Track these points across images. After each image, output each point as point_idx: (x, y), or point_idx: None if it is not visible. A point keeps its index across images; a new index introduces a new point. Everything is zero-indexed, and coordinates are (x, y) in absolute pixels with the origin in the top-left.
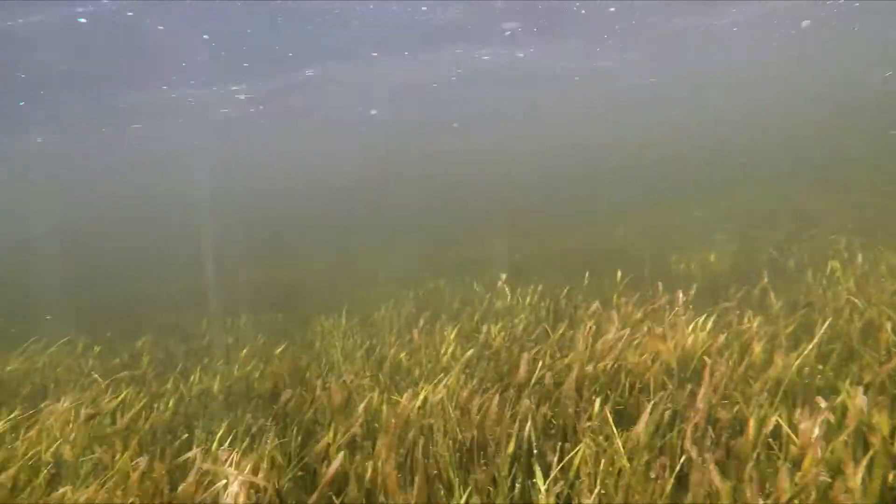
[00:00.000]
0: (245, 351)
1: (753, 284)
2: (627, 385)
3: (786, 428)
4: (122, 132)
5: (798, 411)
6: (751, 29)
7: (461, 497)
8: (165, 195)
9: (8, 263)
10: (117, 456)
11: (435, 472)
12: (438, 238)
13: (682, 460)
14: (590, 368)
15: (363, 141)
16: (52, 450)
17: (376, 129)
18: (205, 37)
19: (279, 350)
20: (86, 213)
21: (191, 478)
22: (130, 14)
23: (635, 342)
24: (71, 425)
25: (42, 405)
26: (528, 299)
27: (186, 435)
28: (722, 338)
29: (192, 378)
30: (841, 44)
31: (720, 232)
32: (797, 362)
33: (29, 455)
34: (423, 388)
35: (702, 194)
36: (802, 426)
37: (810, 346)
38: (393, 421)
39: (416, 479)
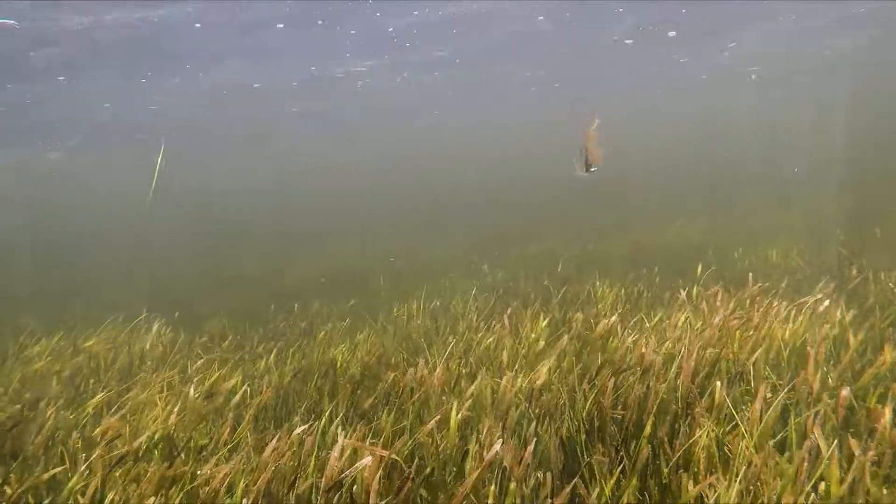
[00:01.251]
0: (328, 335)
1: (841, 279)
2: (730, 372)
3: None
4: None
5: None
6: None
7: (591, 475)
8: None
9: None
10: (236, 432)
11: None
12: (506, 231)
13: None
14: (695, 355)
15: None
16: (166, 425)
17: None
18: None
19: (362, 335)
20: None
21: (335, 452)
22: None
23: (734, 331)
24: (173, 400)
25: (137, 378)
26: (600, 290)
27: (296, 416)
28: (826, 328)
29: (280, 357)
30: None
31: (793, 229)
32: None
33: (149, 429)
34: (523, 372)
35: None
36: None
37: None
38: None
39: (551, 454)
